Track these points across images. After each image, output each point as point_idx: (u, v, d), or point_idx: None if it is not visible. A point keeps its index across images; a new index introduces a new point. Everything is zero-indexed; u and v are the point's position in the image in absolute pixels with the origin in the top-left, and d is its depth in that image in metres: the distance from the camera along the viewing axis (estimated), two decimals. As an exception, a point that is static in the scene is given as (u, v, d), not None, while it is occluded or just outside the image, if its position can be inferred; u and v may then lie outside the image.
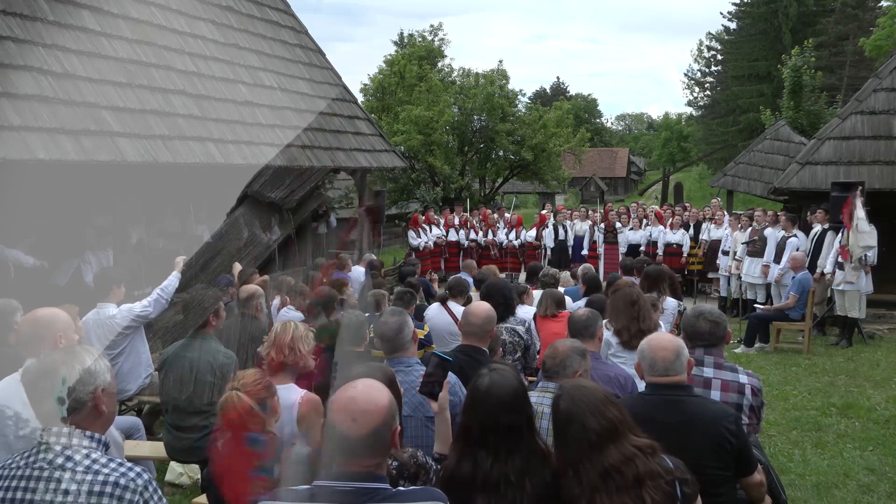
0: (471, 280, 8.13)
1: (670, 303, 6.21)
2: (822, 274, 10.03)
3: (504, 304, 5.16)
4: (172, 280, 5.95)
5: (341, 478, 2.03)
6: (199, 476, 5.14)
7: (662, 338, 3.20)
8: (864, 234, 9.24)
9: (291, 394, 3.46)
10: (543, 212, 16.45)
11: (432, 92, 25.21)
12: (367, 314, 5.76)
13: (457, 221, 15.69)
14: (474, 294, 6.86)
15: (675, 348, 3.09)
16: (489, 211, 16.46)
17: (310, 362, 3.63)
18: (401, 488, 2.13)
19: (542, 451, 2.58)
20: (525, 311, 6.13)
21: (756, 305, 10.52)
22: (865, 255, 9.38)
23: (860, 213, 9.29)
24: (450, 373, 3.36)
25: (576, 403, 2.53)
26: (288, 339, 3.53)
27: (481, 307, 4.06)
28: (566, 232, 15.07)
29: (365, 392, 2.07)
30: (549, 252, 15.06)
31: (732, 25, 46.87)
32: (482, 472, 2.47)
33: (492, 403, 2.53)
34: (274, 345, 3.54)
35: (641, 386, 3.40)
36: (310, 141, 10.76)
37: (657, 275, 6.14)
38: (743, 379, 3.55)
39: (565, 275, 8.73)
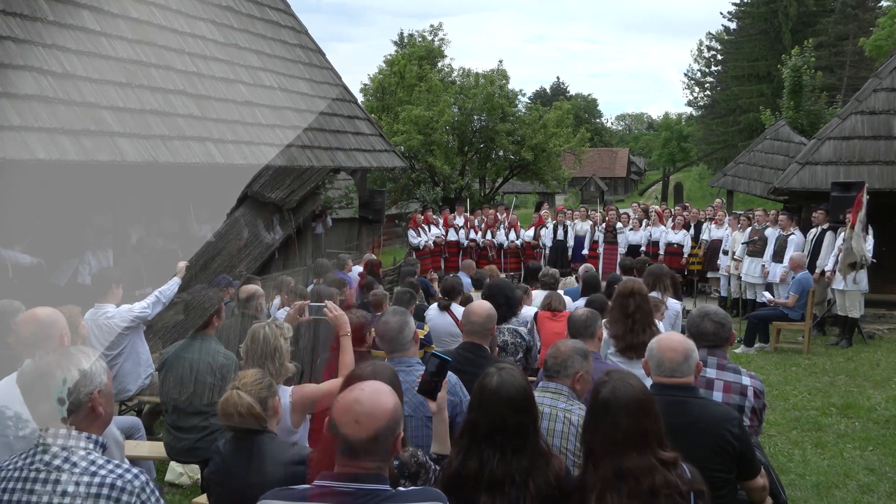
0: (467, 280, 8.15)
1: (672, 302, 6.22)
2: (822, 273, 10.03)
3: (506, 304, 5.14)
4: (172, 285, 5.99)
5: (341, 478, 2.03)
6: (199, 476, 5.15)
7: (673, 339, 3.17)
8: (858, 237, 9.25)
9: (283, 397, 3.45)
10: (542, 212, 16.42)
11: (432, 92, 25.20)
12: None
13: (458, 221, 15.68)
14: (475, 294, 6.86)
15: (685, 350, 3.07)
16: (491, 210, 16.43)
17: (288, 366, 3.57)
18: (400, 489, 2.13)
19: (546, 453, 2.57)
20: (525, 311, 6.14)
21: (765, 295, 10.45)
22: (862, 258, 9.37)
23: (862, 215, 9.28)
24: (451, 373, 3.36)
25: (616, 398, 2.50)
26: (261, 351, 3.44)
27: (482, 306, 4.06)
28: (566, 232, 15.07)
29: (371, 395, 2.06)
30: (547, 252, 15.07)
31: (732, 25, 46.96)
32: (488, 471, 2.47)
33: (501, 402, 2.53)
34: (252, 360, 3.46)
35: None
36: (310, 141, 10.76)
37: (659, 272, 6.15)
38: (745, 381, 3.55)
39: (570, 279, 8.74)
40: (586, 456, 2.51)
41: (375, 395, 2.07)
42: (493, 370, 2.65)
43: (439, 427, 2.86)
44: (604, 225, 14.60)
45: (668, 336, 3.23)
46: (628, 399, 2.49)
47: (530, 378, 4.94)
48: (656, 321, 4.95)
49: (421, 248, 14.72)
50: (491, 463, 2.47)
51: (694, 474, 2.48)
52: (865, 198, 9.34)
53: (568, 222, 15.32)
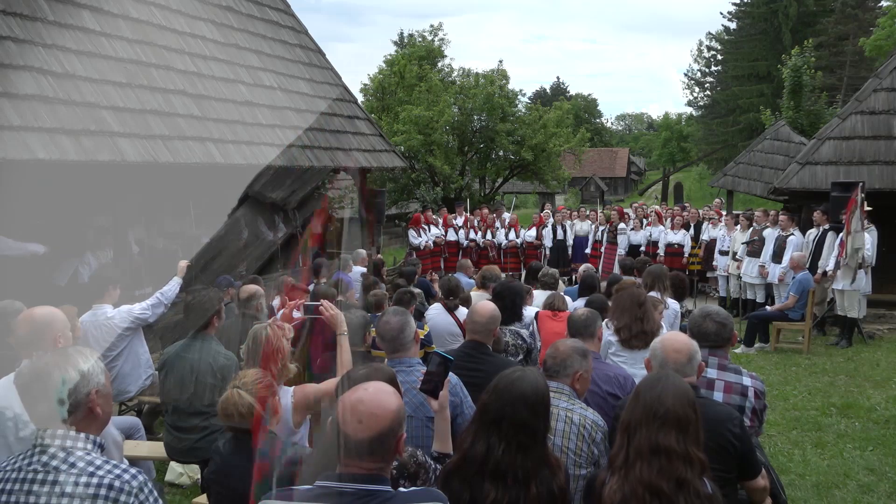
0: (465, 280, 8.15)
1: (671, 304, 6.22)
2: (824, 273, 10.03)
3: (511, 308, 5.16)
4: (174, 286, 5.96)
5: (342, 479, 2.04)
6: (199, 476, 5.14)
7: (678, 339, 3.18)
8: (857, 234, 9.24)
9: (284, 397, 3.45)
10: (543, 212, 16.44)
11: (432, 92, 25.20)
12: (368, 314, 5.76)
13: (458, 221, 15.68)
14: (475, 294, 6.86)
15: (689, 351, 3.09)
16: (486, 211, 16.46)
17: (290, 366, 3.55)
18: (401, 489, 2.13)
19: (554, 464, 2.59)
20: (526, 311, 6.14)
21: (767, 308, 10.52)
22: (863, 256, 9.36)
23: (858, 214, 9.28)
24: (452, 374, 3.36)
25: (666, 381, 2.55)
26: (262, 351, 3.39)
27: (486, 307, 4.10)
28: (565, 232, 15.08)
29: (374, 395, 2.07)
30: (548, 252, 15.07)
31: (732, 25, 46.97)
32: (494, 459, 2.50)
33: (514, 393, 2.57)
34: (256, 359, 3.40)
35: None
36: (310, 141, 10.75)
37: (659, 273, 6.19)
38: (746, 381, 3.55)
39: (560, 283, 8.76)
40: (622, 431, 2.51)
41: (379, 395, 2.07)
42: (520, 367, 2.72)
43: (441, 425, 2.87)
44: (607, 225, 14.61)
45: (673, 336, 3.24)
46: (677, 385, 2.53)
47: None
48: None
49: (421, 248, 14.72)
50: (496, 451, 2.50)
51: (714, 490, 2.43)
52: (860, 196, 9.32)
53: (567, 222, 15.34)
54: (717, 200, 15.77)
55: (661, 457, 2.37)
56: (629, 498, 2.36)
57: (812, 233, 10.83)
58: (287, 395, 3.46)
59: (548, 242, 15.11)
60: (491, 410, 2.57)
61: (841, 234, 9.60)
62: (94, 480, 2.06)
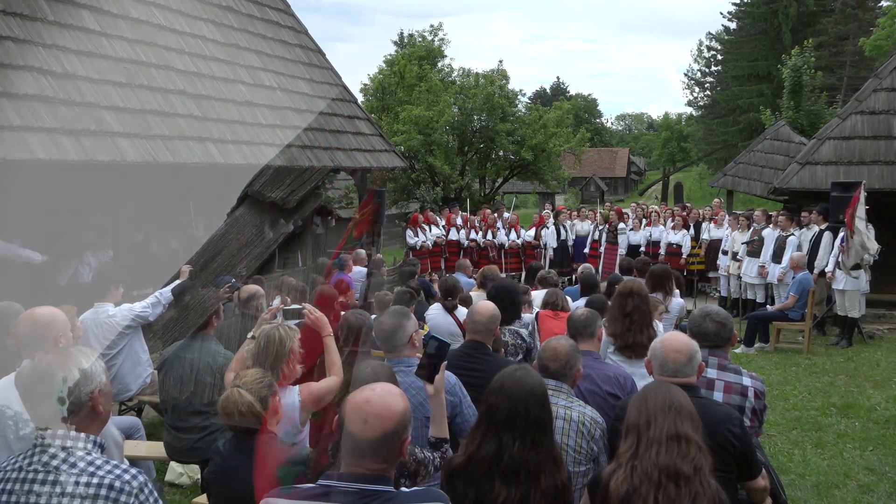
0: (464, 280, 8.14)
1: (676, 302, 6.22)
2: (822, 273, 10.03)
3: (511, 307, 5.15)
4: (175, 287, 5.98)
5: (345, 478, 2.04)
6: (199, 476, 5.15)
7: (677, 339, 3.17)
8: (861, 234, 9.23)
9: (291, 396, 3.46)
10: (544, 212, 16.45)
11: (432, 92, 25.23)
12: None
13: (459, 221, 15.69)
14: (475, 294, 6.86)
15: (689, 352, 3.09)
16: (489, 211, 16.47)
17: (297, 367, 3.56)
18: (403, 489, 2.14)
19: (558, 458, 2.61)
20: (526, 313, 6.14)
21: (768, 309, 10.52)
22: (862, 258, 9.37)
23: (861, 212, 9.27)
24: (451, 374, 3.37)
25: (669, 385, 2.63)
26: (273, 354, 3.39)
27: (486, 306, 4.09)
28: (566, 232, 15.08)
29: (381, 396, 2.08)
30: (550, 252, 15.07)
31: (732, 25, 47.02)
32: (507, 457, 2.50)
33: (524, 391, 2.59)
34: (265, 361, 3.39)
35: (642, 385, 3.39)
36: (310, 141, 10.75)
37: (662, 273, 6.14)
38: (746, 381, 3.54)
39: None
40: (630, 429, 2.51)
41: (386, 396, 2.08)
42: (516, 366, 2.73)
43: (437, 410, 2.87)
44: (605, 225, 14.60)
45: (673, 336, 3.22)
46: (680, 389, 2.60)
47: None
48: (656, 321, 4.93)
49: (418, 248, 14.71)
50: (510, 449, 2.50)
51: (722, 493, 2.43)
52: (863, 195, 9.32)
53: (567, 222, 15.34)
54: (716, 200, 15.78)
55: (682, 442, 2.39)
56: (639, 485, 2.35)
57: (803, 233, 10.83)
58: (294, 395, 3.47)
59: (552, 242, 15.08)
60: (502, 410, 2.57)
61: (842, 234, 9.60)
62: (95, 480, 2.07)
